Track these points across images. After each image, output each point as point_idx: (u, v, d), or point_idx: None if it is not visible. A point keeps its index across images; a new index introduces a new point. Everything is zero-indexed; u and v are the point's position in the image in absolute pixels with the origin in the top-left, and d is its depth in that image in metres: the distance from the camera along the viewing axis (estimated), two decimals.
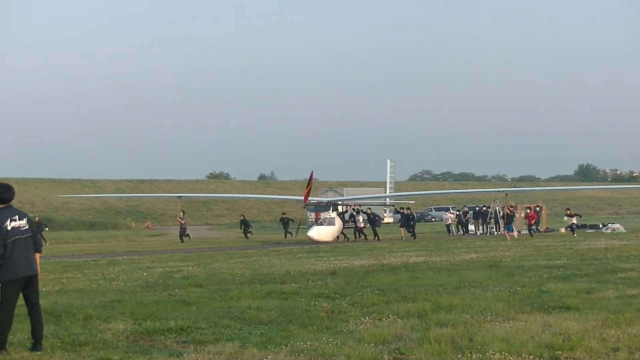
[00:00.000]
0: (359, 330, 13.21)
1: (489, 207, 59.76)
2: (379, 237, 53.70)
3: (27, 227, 12.03)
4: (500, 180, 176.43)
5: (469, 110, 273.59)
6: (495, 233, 56.63)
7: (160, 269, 27.18)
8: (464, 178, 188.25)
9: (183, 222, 55.77)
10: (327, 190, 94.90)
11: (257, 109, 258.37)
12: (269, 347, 11.85)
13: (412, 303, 16.28)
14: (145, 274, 25.44)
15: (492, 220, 58.84)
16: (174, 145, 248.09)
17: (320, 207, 65.34)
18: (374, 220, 55.10)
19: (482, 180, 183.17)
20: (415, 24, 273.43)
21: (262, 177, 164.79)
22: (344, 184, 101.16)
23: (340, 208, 58.20)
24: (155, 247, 46.99)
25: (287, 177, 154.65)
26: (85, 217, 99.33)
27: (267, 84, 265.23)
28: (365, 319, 14.43)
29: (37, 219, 57.86)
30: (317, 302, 16.88)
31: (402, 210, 56.62)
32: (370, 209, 57.22)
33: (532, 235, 52.03)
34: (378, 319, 14.38)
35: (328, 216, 53.98)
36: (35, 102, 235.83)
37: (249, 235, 61.13)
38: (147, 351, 11.79)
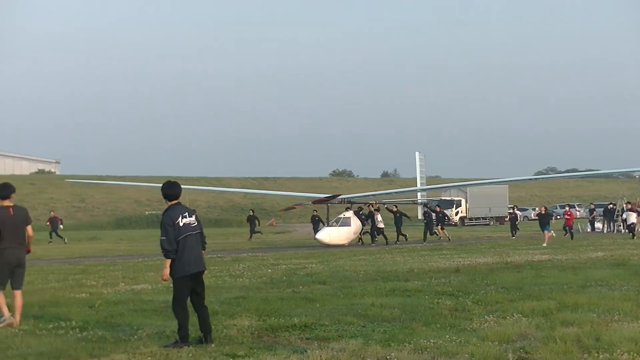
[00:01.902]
0: (483, 329, 13.10)
1: (616, 205, 58.23)
2: (406, 236, 48.13)
3: (197, 223, 12.40)
4: (628, 177, 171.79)
5: (595, 109, 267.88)
6: (623, 231, 54.85)
7: (284, 266, 27.48)
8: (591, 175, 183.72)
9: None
10: (449, 188, 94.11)
11: (381, 106, 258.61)
12: (392, 344, 11.86)
13: (537, 301, 16.07)
14: (269, 271, 25.76)
15: (619, 218, 56.71)
16: (298, 142, 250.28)
17: (443, 204, 64.59)
18: (399, 219, 48.23)
19: (608, 177, 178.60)
20: None
21: (385, 175, 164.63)
22: (466, 181, 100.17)
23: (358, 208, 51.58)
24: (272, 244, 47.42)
25: (411, 174, 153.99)
26: (210, 214, 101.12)
27: (392, 79, 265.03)
28: (489, 317, 14.30)
29: (52, 213, 59.75)
30: (440, 300, 16.81)
31: (438, 209, 51.34)
32: (396, 206, 50.38)
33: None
34: (502, 318, 14.23)
35: (342, 216, 47.41)
36: (158, 101, 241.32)
37: (254, 235, 56.47)
38: (271, 347, 11.93)
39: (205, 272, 12.65)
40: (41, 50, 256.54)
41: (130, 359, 11.23)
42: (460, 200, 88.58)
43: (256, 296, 18.18)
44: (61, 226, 59.45)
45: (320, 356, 11.13)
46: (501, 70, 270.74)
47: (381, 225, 47.52)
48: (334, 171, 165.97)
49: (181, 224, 12.08)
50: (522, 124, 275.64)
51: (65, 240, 53.04)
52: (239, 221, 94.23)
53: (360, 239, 47.66)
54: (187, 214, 12.27)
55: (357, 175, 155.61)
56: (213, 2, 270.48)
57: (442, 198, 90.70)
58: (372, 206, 49.38)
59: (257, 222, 57.39)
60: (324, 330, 13.26)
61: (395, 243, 45.76)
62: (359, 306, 16.03)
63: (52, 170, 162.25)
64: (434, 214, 50.23)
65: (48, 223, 57.13)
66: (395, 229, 47.93)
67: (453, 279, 21.57)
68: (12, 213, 14.39)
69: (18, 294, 14.58)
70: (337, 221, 46.54)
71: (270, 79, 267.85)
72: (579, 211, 61.24)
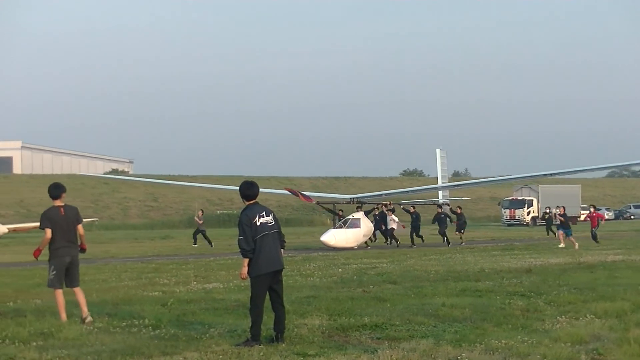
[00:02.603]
0: (555, 330, 12.98)
1: None
2: (422, 238, 45.54)
3: (274, 222, 12.50)
4: None
5: None
6: None
7: (354, 266, 27.50)
8: None
9: (201, 222, 48.08)
10: (521, 188, 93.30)
11: (454, 106, 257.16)
12: (463, 344, 11.81)
13: (610, 302, 15.86)
14: (340, 270, 25.80)
15: None
16: (368, 142, 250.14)
17: (515, 204, 63.06)
18: (417, 221, 44.90)
19: None
20: None
21: (456, 174, 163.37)
22: (538, 181, 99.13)
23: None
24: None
25: (480, 173, 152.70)
26: (281, 213, 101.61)
27: (467, 80, 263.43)
28: (562, 318, 14.16)
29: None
30: (512, 300, 16.68)
31: (459, 210, 46.79)
32: (413, 207, 46.77)
33: None
34: (574, 319, 14.09)
35: (351, 217, 43.89)
36: (229, 100, 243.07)
37: None
38: (342, 347, 11.95)
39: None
40: (114, 51, 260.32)
41: (202, 357, 11.34)
42: (532, 200, 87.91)
43: (327, 295, 18.22)
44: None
45: (391, 356, 11.12)
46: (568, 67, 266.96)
47: (393, 225, 45.46)
48: (404, 171, 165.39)
49: (258, 223, 12.20)
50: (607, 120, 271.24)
51: None
52: (310, 220, 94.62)
53: (371, 239, 45.34)
54: (264, 213, 12.38)
55: (428, 175, 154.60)
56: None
57: (514, 198, 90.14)
58: (387, 207, 46.75)
59: None
60: (395, 330, 13.24)
61: (411, 247, 42.40)
62: (429, 306, 15.98)
63: (126, 169, 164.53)
64: (453, 216, 46.99)
65: None
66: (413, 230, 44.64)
67: (525, 279, 21.39)
68: (63, 212, 14.80)
69: (77, 290, 15.03)
70: (345, 222, 43.44)
71: (342, 78, 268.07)
72: (607, 214, 56.41)
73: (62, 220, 14.75)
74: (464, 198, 65.71)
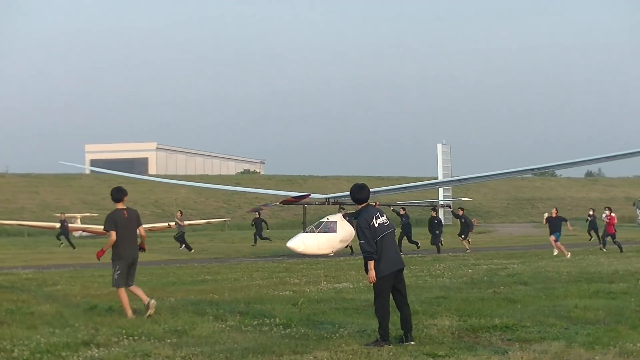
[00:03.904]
0: None
1: None
2: (417, 244, 40.53)
3: (389, 222, 12.58)
4: None
5: None
6: None
7: (485, 266, 27.24)
8: None
9: (182, 224, 44.73)
10: None
11: (587, 105, 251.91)
12: (596, 347, 11.59)
13: None
14: (470, 271, 25.60)
15: None
16: (498, 140, 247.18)
17: None
18: (408, 224, 40.36)
19: None
20: None
21: (589, 174, 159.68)
22: None
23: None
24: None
25: (615, 173, 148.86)
26: (413, 214, 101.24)
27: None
28: None
29: (62, 215, 52.56)
30: None
31: (460, 212, 41.08)
32: (404, 209, 41.55)
33: None
34: None
35: (325, 219, 38.78)
36: (339, 101, 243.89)
37: (260, 240, 49.26)
38: (472, 348, 11.89)
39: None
40: (250, 51, 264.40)
41: (332, 356, 11.43)
42: None
43: (457, 296, 18.12)
44: (84, 233, 55.49)
45: (522, 358, 11.01)
46: None
47: None
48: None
49: (376, 225, 12.26)
50: None
51: (72, 247, 47.26)
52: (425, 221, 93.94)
53: (351, 247, 38.77)
54: (378, 214, 12.44)
55: (560, 175, 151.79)
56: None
57: None
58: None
59: (264, 226, 51.18)
60: (526, 332, 13.09)
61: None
62: (561, 308, 15.72)
63: (257, 170, 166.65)
64: (458, 220, 41.45)
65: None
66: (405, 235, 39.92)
67: None
68: (126, 215, 15.42)
69: (134, 288, 15.65)
70: (317, 226, 38.30)
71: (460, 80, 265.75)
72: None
73: (126, 223, 15.40)
74: (464, 199, 59.69)
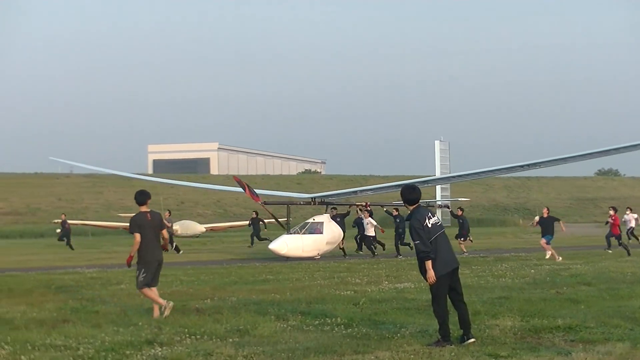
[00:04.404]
0: None
1: None
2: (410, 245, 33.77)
3: (441, 222, 12.60)
4: None
5: None
6: None
7: (547, 267, 27.00)
8: None
9: (170, 225, 38.87)
10: None
11: (587, 105, 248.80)
12: None
13: None
14: (532, 271, 25.38)
15: None
16: (560, 141, 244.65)
17: None
18: (402, 225, 36.44)
19: None
20: None
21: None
22: None
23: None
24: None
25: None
26: (472, 213, 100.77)
27: None
28: None
29: (62, 216, 52.26)
30: None
31: (459, 213, 38.23)
32: (397, 209, 38.22)
33: None
34: None
35: (311, 220, 36.89)
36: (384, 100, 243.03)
37: (258, 241, 46.20)
38: (534, 349, 11.80)
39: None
40: (310, 53, 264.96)
41: (394, 356, 11.42)
42: None
43: (519, 296, 17.97)
44: (58, 230, 51.38)
45: (585, 359, 10.91)
46: None
47: (371, 232, 36.96)
48: (599, 170, 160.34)
49: (430, 225, 12.25)
50: None
51: (72, 247, 47.11)
52: (502, 220, 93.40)
53: (343, 249, 37.29)
54: (430, 214, 12.45)
55: (624, 175, 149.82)
56: None
57: None
58: (363, 208, 38.30)
59: (263, 226, 47.97)
60: (589, 333, 12.95)
61: (397, 256, 35.09)
62: (626, 309, 15.52)
63: (318, 170, 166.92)
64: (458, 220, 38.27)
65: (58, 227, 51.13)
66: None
67: None
68: (149, 218, 15.60)
69: (154, 289, 15.84)
70: (302, 227, 36.39)
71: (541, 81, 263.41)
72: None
73: (150, 225, 15.58)
74: (460, 199, 55.99)
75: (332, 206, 39.04)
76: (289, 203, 40.25)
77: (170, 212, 44.46)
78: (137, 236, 15.45)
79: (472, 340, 12.17)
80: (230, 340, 12.85)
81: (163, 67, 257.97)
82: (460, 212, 38.56)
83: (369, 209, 38.39)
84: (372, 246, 36.82)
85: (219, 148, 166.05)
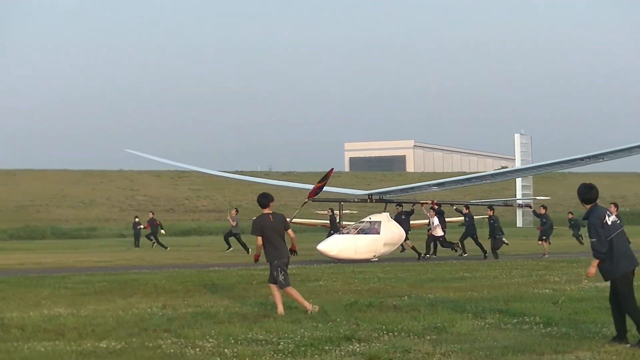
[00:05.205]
0: None
1: None
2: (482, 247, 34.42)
3: (619, 221, 12.40)
4: None
5: None
6: None
7: None
8: None
9: (234, 223, 40.31)
10: None
11: None
12: None
13: None
14: None
15: None
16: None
17: None
18: (472, 224, 35.29)
19: None
20: None
21: None
22: None
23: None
24: None
25: None
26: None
27: None
28: None
29: (150, 214, 50.50)
30: None
31: (542, 211, 36.07)
32: (468, 207, 36.60)
33: None
34: None
35: (368, 219, 34.55)
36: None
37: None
38: None
39: None
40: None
41: (595, 357, 11.19)
42: None
43: None
44: (162, 231, 48.97)
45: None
46: None
47: (439, 232, 34.81)
48: None
49: (609, 223, 12.01)
50: None
51: (167, 247, 45.98)
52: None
53: (414, 248, 34.77)
54: (608, 212, 12.24)
55: None
56: None
57: None
58: (428, 207, 35.92)
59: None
60: None
61: (461, 254, 34.43)
62: None
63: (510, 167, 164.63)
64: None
65: (146, 226, 49.42)
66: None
67: None
68: (272, 219, 15.77)
69: (277, 289, 15.98)
70: (356, 227, 34.27)
71: None
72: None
73: (272, 227, 15.76)
74: (539, 197, 50.12)
75: (396, 203, 36.69)
76: (341, 200, 37.47)
77: (237, 210, 42.82)
78: (259, 239, 15.83)
79: None
80: (428, 337, 12.87)
81: (361, 63, 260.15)
82: (543, 211, 36.41)
83: (435, 207, 35.89)
84: (434, 246, 35.45)
85: (414, 145, 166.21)
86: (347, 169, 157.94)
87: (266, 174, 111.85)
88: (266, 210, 15.99)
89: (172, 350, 11.99)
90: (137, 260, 35.83)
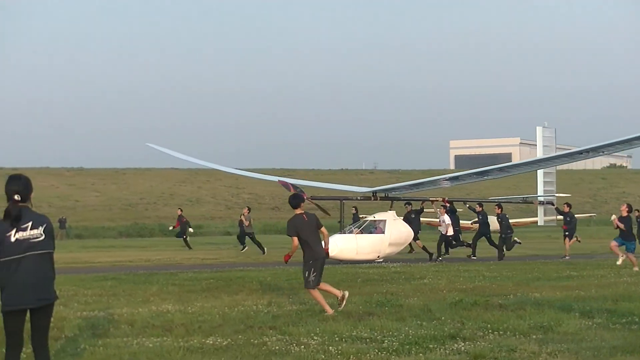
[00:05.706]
0: None
1: None
2: (496, 244, 33.99)
3: None
4: None
5: None
6: None
7: None
8: None
9: (247, 223, 39.58)
10: None
11: None
12: None
13: None
14: None
15: None
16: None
17: None
18: (486, 222, 34.56)
19: None
20: None
21: None
22: None
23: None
24: None
25: None
26: None
27: None
28: None
29: (179, 211, 47.98)
30: None
31: (566, 209, 34.75)
32: (481, 205, 35.47)
33: None
34: None
35: (372, 217, 33.00)
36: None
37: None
38: None
39: None
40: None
41: None
42: None
43: None
44: (190, 229, 46.92)
45: None
46: None
47: (450, 231, 33.35)
48: None
49: None
50: None
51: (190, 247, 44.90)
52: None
53: (424, 248, 33.50)
54: None
55: None
56: None
57: None
58: (438, 204, 34.70)
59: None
60: None
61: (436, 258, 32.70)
62: None
63: (624, 164, 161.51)
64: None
65: (176, 225, 47.05)
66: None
67: None
68: (306, 219, 15.94)
69: (322, 285, 16.23)
70: (360, 225, 32.51)
71: None
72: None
73: (307, 226, 15.91)
74: (561, 194, 47.50)
75: (405, 202, 35.42)
76: (342, 198, 35.57)
77: (249, 209, 41.99)
78: (295, 240, 15.95)
79: None
80: (534, 336, 12.75)
81: (468, 62, 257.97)
82: (567, 209, 34.91)
83: (447, 205, 34.36)
84: (445, 245, 33.92)
85: (520, 143, 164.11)
86: (452, 166, 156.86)
87: (371, 172, 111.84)
88: (298, 211, 16.17)
89: (277, 347, 12.10)
90: (243, 257, 36.24)
